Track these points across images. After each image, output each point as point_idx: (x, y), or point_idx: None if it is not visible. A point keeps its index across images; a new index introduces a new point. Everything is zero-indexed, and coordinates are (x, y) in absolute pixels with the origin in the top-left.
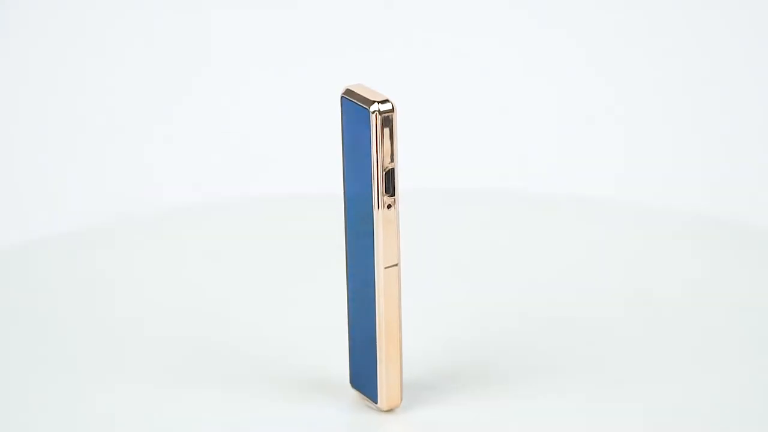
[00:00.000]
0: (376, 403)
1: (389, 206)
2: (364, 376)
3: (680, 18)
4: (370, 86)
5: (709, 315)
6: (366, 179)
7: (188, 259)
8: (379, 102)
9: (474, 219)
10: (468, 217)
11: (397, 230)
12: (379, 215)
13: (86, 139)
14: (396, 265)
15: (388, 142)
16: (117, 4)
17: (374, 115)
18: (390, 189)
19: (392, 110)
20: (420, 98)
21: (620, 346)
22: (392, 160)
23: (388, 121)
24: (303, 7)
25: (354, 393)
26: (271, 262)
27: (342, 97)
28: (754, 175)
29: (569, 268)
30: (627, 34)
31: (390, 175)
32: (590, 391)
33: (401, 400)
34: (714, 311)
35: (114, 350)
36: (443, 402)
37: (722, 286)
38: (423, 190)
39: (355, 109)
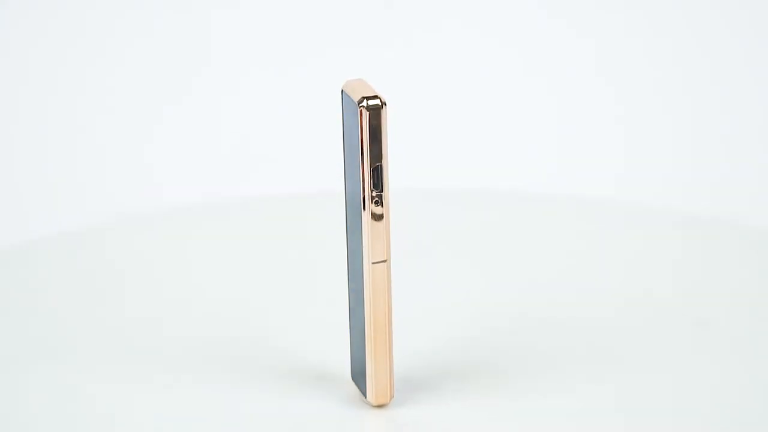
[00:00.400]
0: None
1: (377, 202)
2: (359, 371)
3: (680, 18)
4: (370, 82)
5: (709, 315)
6: (358, 174)
7: (188, 259)
8: (368, 97)
9: (474, 219)
10: (468, 217)
11: (387, 227)
12: (367, 211)
13: (86, 139)
14: (384, 261)
15: (377, 138)
16: (117, 4)
17: (362, 109)
18: (378, 185)
19: (381, 106)
20: (420, 98)
21: (620, 346)
22: (381, 155)
23: (376, 117)
24: (303, 7)
25: (354, 388)
26: (271, 262)
27: (342, 90)
28: (754, 175)
29: (569, 268)
30: (627, 35)
31: (378, 171)
32: (590, 391)
33: (391, 396)
34: (714, 311)
35: (114, 349)
36: (437, 400)
37: (722, 286)
38: (423, 190)
39: (350, 104)
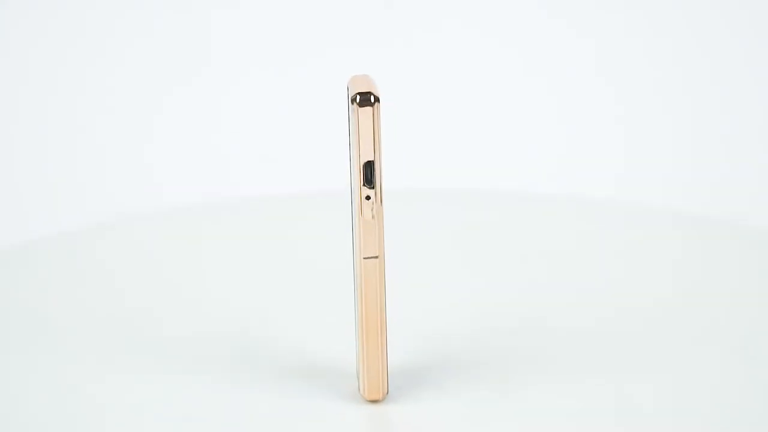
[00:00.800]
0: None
1: (368, 197)
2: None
3: (680, 18)
4: (374, 79)
5: (709, 315)
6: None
7: (188, 258)
8: (361, 93)
9: (474, 219)
10: (468, 217)
11: (379, 223)
12: (357, 206)
13: (86, 139)
14: (376, 257)
15: (369, 134)
16: (117, 4)
17: (355, 105)
18: (370, 180)
19: (373, 103)
20: (420, 99)
21: (619, 347)
22: (373, 151)
23: (368, 113)
24: (302, 8)
25: (354, 384)
26: (271, 262)
27: (347, 86)
28: (754, 175)
29: (569, 268)
30: (627, 35)
31: (370, 167)
32: (590, 391)
33: (383, 392)
34: (714, 311)
35: (114, 349)
36: (434, 398)
37: (722, 285)
38: (423, 190)
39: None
